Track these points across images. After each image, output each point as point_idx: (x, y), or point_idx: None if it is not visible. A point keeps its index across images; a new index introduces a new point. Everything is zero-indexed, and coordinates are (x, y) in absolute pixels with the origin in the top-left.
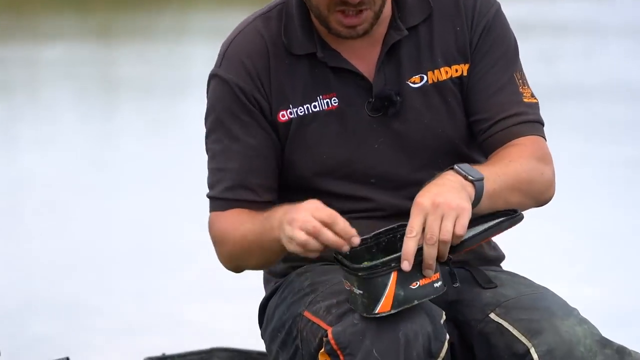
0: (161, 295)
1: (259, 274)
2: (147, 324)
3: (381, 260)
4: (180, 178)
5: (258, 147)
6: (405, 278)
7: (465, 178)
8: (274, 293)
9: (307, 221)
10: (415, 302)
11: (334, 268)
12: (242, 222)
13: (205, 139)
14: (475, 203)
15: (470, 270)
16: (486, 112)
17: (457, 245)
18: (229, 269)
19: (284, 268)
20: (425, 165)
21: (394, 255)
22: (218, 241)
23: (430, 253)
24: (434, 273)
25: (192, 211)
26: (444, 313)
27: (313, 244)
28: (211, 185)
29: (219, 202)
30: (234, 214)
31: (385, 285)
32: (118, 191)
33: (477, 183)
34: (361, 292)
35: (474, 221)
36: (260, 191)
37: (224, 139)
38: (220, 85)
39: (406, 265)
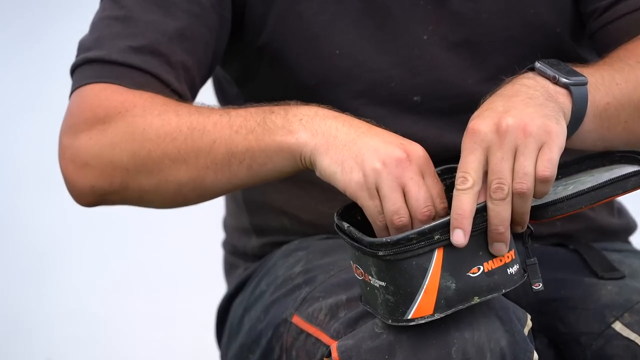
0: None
1: (218, 252)
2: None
3: (417, 229)
4: None
5: (206, 7)
6: (457, 259)
7: (554, 81)
8: (243, 287)
9: (421, 187)
10: (476, 299)
11: (342, 244)
12: (176, 108)
13: None
14: (573, 125)
15: (578, 249)
16: None
17: (544, 207)
18: (90, 192)
19: (258, 245)
20: (504, 72)
21: (438, 222)
22: (101, 123)
23: (500, 214)
24: (508, 250)
25: None
26: (529, 318)
27: (405, 220)
28: (96, 41)
29: (109, 68)
30: (150, 97)
31: (425, 271)
32: None
33: (576, 89)
34: (383, 284)
35: (570, 166)
36: (181, 76)
37: None
38: None
39: (459, 237)
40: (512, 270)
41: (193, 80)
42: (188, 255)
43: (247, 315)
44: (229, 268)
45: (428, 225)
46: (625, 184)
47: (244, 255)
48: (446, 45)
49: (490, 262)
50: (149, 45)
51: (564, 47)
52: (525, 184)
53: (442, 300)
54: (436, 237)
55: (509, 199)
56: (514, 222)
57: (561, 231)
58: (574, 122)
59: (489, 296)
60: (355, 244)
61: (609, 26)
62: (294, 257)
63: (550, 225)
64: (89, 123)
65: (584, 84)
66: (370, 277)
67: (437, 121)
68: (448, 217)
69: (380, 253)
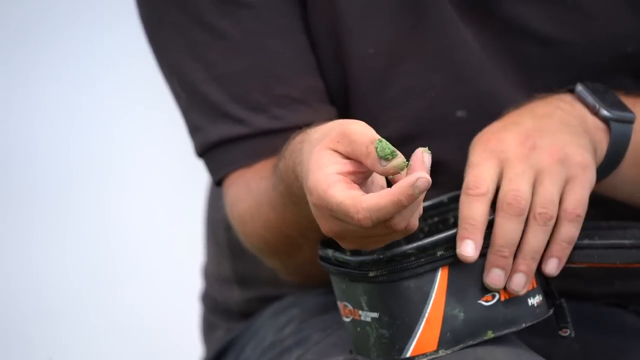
0: None
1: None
2: None
3: (416, 243)
4: None
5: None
6: (467, 283)
7: (594, 111)
8: (223, 354)
9: (320, 195)
10: (490, 334)
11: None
12: (260, 190)
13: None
14: (605, 169)
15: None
16: None
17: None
18: (301, 283)
19: (243, 300)
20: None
21: (442, 235)
22: (248, 240)
23: (509, 234)
24: (525, 283)
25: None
26: None
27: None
28: (191, 138)
29: (211, 160)
30: (252, 176)
31: (426, 296)
32: None
33: (616, 127)
34: (376, 315)
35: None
36: (279, 106)
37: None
38: None
39: (469, 250)
40: (534, 301)
41: (303, 96)
42: (162, 310)
43: None
44: (208, 328)
45: (429, 239)
46: None
47: (225, 313)
48: (489, 53)
49: (507, 291)
50: (220, 105)
51: None
52: (550, 211)
53: (448, 332)
54: (439, 253)
55: (523, 217)
56: (525, 254)
57: (620, 291)
58: (607, 166)
59: (506, 331)
60: (342, 269)
61: None
62: (285, 316)
63: (606, 285)
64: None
65: (630, 121)
66: (360, 312)
67: None
68: (454, 230)
69: (372, 274)
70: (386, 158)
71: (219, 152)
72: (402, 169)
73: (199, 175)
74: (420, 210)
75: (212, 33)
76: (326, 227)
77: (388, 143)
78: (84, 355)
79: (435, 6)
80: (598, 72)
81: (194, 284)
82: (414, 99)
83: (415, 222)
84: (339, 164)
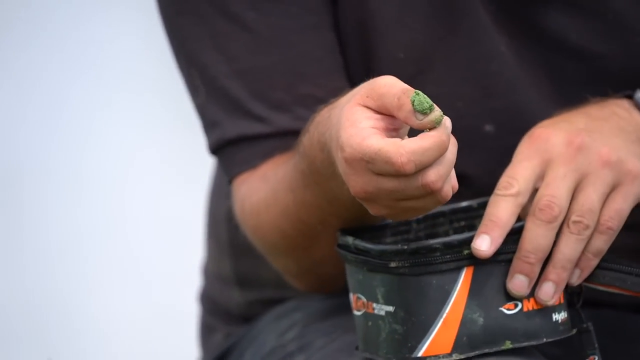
0: None
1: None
2: None
3: (442, 239)
4: None
5: (289, 24)
6: (490, 287)
7: None
8: (223, 359)
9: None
10: (508, 344)
11: (344, 303)
12: (281, 189)
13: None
14: None
15: None
16: None
17: (602, 270)
18: (310, 290)
19: (244, 303)
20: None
21: (471, 233)
22: (262, 234)
23: (537, 239)
24: (554, 293)
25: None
26: None
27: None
28: (206, 133)
29: (226, 157)
30: (268, 167)
31: (447, 295)
32: None
33: None
34: (391, 309)
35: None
36: (303, 106)
37: (211, 34)
38: None
39: (483, 244)
40: (558, 317)
41: (329, 99)
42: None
43: None
44: (206, 331)
45: (457, 236)
46: None
47: (225, 315)
48: (523, 66)
49: (532, 300)
50: (240, 102)
51: None
52: (586, 220)
53: (465, 337)
54: (465, 252)
55: (556, 225)
56: (555, 262)
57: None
58: None
59: (525, 343)
60: (361, 257)
61: None
62: (288, 320)
63: None
64: (250, 234)
65: None
66: (374, 305)
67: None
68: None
69: (393, 264)
70: (424, 112)
71: (236, 150)
72: (439, 123)
73: (200, 170)
74: (454, 184)
75: (237, 24)
76: (358, 186)
77: (425, 96)
78: (83, 355)
79: (470, 14)
80: (636, 88)
81: (192, 282)
82: (441, 109)
83: (449, 190)
84: (373, 119)
